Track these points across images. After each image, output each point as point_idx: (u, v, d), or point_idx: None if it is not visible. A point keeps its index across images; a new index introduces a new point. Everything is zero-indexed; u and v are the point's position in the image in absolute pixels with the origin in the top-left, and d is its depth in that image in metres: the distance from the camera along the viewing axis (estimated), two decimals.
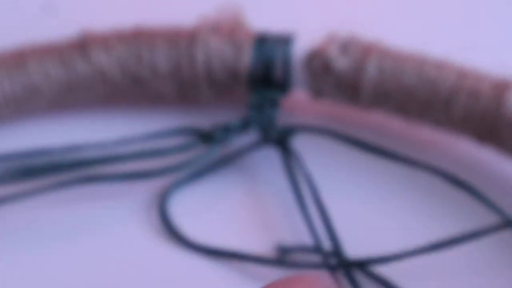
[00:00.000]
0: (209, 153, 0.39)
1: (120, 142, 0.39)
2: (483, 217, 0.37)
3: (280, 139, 0.39)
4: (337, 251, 0.37)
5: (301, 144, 0.40)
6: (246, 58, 0.40)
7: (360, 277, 0.36)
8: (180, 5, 0.46)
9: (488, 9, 0.47)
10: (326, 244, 0.37)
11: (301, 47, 0.40)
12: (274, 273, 0.36)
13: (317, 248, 0.37)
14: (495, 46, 0.41)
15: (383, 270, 0.36)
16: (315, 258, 0.37)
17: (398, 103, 0.39)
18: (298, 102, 0.42)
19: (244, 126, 0.40)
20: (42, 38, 0.41)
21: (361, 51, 0.39)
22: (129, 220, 0.39)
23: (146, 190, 0.39)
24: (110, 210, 0.39)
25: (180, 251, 0.37)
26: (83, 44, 0.40)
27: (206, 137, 0.40)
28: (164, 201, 0.38)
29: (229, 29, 0.41)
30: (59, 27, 0.42)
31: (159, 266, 0.37)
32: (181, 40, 0.40)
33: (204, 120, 0.41)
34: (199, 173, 0.39)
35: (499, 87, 0.38)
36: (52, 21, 0.46)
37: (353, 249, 0.37)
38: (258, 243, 0.38)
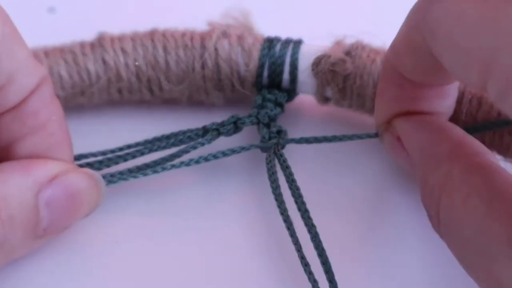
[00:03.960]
0: (205, 139, 0.39)
1: (118, 150, 0.40)
2: None
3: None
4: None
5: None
6: (255, 62, 0.41)
7: None
8: (193, 10, 0.46)
9: None
10: None
11: (308, 53, 0.40)
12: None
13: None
14: None
15: None
16: None
17: None
18: (304, 106, 0.43)
19: (244, 119, 0.40)
20: (46, 42, 0.42)
21: (367, 57, 0.40)
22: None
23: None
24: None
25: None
26: (98, 47, 0.41)
27: (205, 130, 0.40)
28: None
29: (238, 34, 0.41)
30: (75, 30, 0.43)
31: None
32: (193, 44, 0.41)
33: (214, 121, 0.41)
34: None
35: None
36: (67, 24, 0.47)
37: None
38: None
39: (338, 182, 0.40)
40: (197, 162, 0.38)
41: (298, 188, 0.37)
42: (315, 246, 0.35)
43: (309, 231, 0.36)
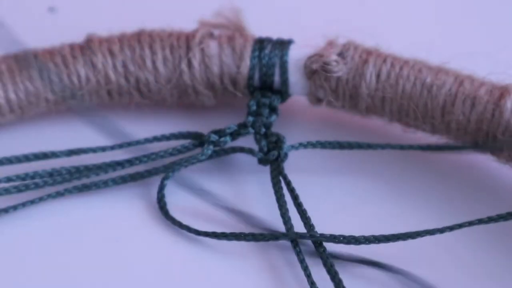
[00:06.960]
0: (200, 154, 0.39)
1: (118, 147, 0.40)
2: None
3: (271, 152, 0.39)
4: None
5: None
6: (246, 64, 0.40)
7: None
8: (183, 10, 0.46)
9: (485, 15, 0.46)
10: None
11: (300, 53, 0.40)
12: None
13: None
14: (492, 52, 0.41)
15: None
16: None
17: (396, 109, 0.39)
18: (296, 108, 0.42)
19: (240, 130, 0.40)
20: (45, 42, 0.41)
21: (359, 57, 0.39)
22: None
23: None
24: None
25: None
26: (87, 49, 0.41)
27: (201, 140, 0.40)
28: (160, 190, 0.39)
29: (228, 35, 0.41)
30: (62, 31, 0.43)
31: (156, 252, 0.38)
32: (178, 44, 0.41)
33: (205, 125, 0.41)
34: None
35: (496, 93, 0.38)
36: (55, 25, 0.46)
37: None
38: None
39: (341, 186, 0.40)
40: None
41: (305, 211, 0.37)
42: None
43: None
